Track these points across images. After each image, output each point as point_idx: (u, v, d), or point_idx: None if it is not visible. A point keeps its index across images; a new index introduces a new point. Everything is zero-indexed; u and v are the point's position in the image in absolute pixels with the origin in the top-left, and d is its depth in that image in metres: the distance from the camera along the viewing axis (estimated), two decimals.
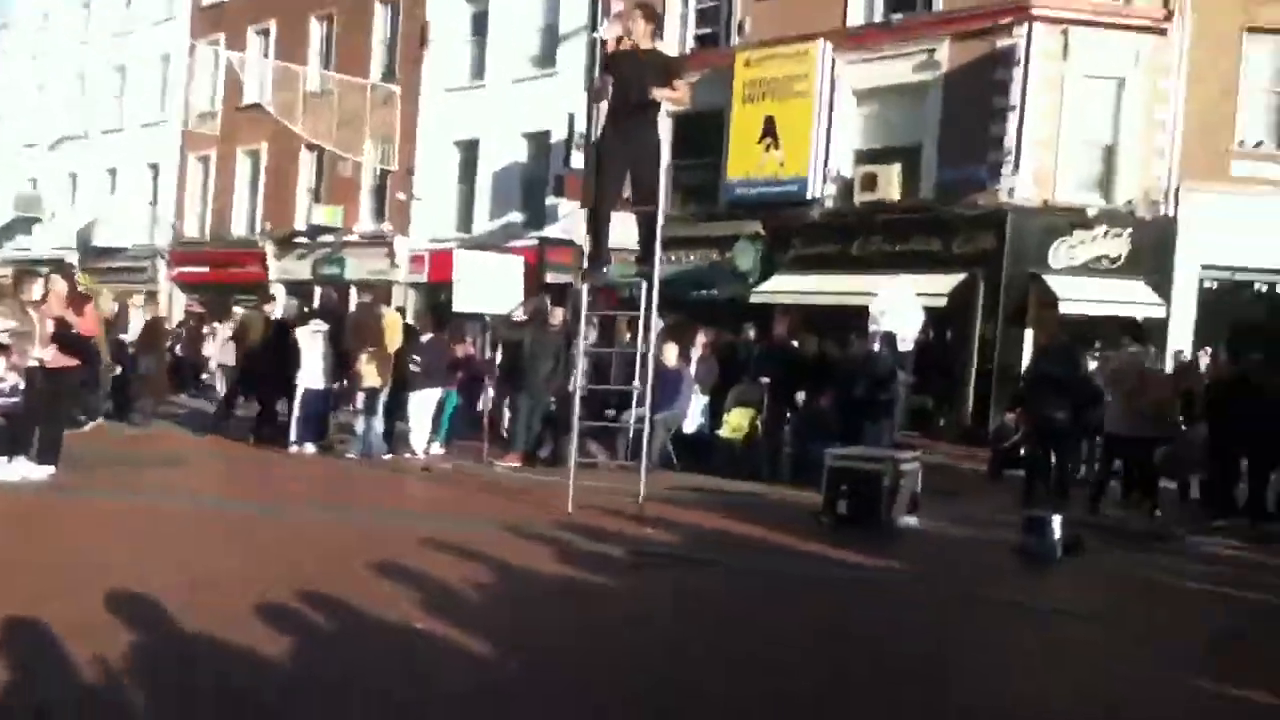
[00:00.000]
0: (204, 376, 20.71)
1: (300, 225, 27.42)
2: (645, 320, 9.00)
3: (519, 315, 13.81)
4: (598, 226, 8.53)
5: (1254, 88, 17.50)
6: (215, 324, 21.10)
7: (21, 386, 9.10)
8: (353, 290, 24.70)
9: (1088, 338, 12.71)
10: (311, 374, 12.86)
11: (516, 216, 23.17)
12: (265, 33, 29.24)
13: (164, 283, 30.62)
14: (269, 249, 28.14)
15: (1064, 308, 15.87)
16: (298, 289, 27.28)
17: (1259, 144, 17.51)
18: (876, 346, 12.53)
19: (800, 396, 12.06)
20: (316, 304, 19.89)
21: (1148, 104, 17.10)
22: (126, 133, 32.80)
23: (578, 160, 20.76)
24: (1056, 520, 7.72)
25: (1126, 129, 17.09)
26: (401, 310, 18.37)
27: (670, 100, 8.33)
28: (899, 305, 13.64)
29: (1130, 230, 16.83)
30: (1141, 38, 17.01)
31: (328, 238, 26.70)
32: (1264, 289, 17.18)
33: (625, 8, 15.75)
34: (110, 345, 14.22)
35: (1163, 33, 17.00)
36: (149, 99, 32.29)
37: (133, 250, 31.58)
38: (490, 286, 13.61)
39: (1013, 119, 16.73)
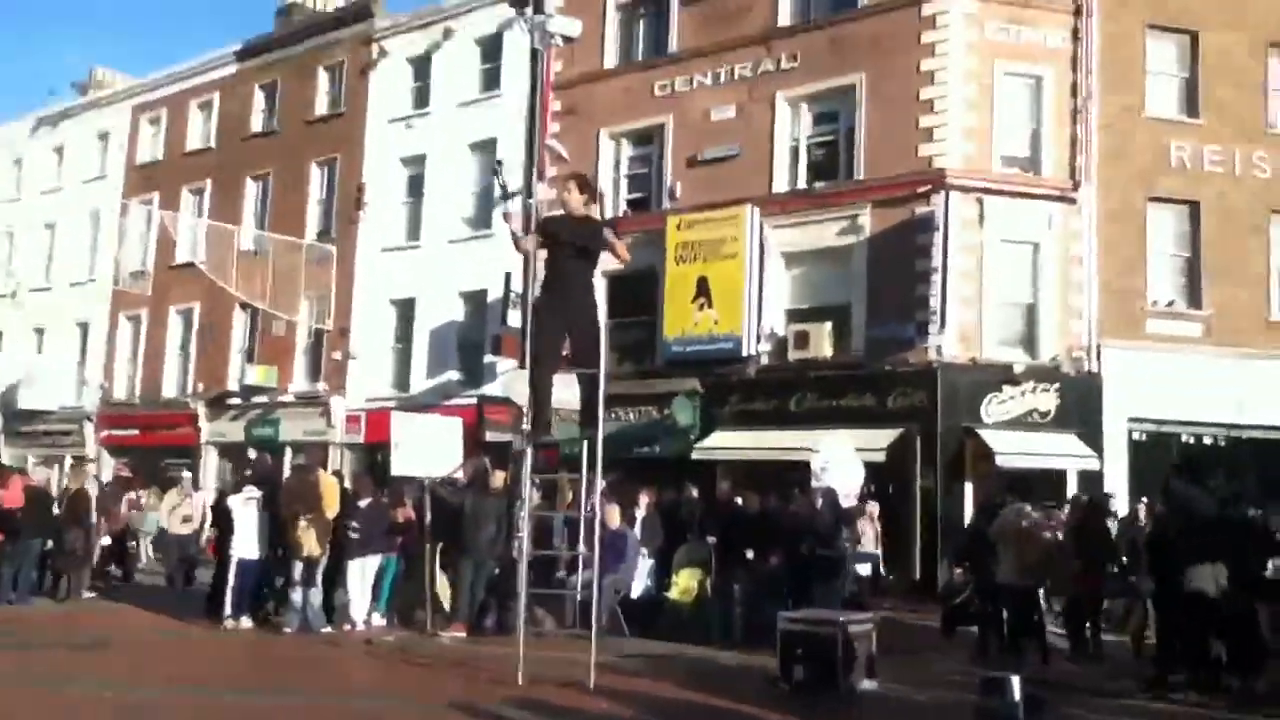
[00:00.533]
0: (130, 545, 19.92)
1: (233, 386, 27.02)
2: (589, 482, 8.97)
3: (459, 476, 13.67)
4: (539, 389, 8.46)
5: (1160, 251, 18.71)
6: (152, 490, 20.45)
7: None
8: (287, 452, 24.33)
9: (1024, 490, 12.97)
10: (245, 543, 12.50)
11: (454, 375, 23.19)
12: (200, 192, 29.36)
13: (91, 446, 29.65)
14: (201, 410, 27.55)
15: (1000, 461, 16.30)
16: (230, 451, 26.90)
17: (1170, 303, 18.60)
18: (819, 503, 12.64)
19: (749, 555, 12.04)
20: (249, 470, 19.44)
21: (1063, 267, 18.02)
22: (55, 291, 32.35)
23: (515, 319, 21.00)
24: (1015, 681, 7.70)
25: (1045, 290, 17.94)
26: (338, 473, 18.07)
27: (615, 254, 8.45)
28: (839, 460, 13.87)
29: (1057, 386, 17.46)
30: (1052, 205, 18.08)
31: (261, 398, 26.30)
32: (1191, 440, 17.89)
33: (560, 177, 16.35)
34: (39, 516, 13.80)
35: (1072, 201, 18.11)
36: (79, 257, 32.00)
37: (59, 413, 30.64)
38: (429, 449, 13.49)
39: (935, 280, 17.40)
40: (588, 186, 8.60)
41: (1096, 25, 18.64)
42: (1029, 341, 17.85)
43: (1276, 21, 19.20)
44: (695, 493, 14.74)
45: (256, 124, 28.65)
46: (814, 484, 13.62)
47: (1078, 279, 18.00)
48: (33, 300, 32.82)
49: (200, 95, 30.10)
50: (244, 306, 26.76)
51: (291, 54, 28.15)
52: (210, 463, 27.20)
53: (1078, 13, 18.65)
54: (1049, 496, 13.83)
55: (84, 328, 31.48)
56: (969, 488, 16.89)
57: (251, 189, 28.23)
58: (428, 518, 12.85)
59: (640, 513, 13.50)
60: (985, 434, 16.85)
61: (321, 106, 27.24)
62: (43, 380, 30.88)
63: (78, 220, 32.22)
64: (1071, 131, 18.35)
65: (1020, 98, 18.60)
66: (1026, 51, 18.53)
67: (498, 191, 21.65)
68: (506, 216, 9.33)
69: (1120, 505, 14.88)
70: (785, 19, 20.33)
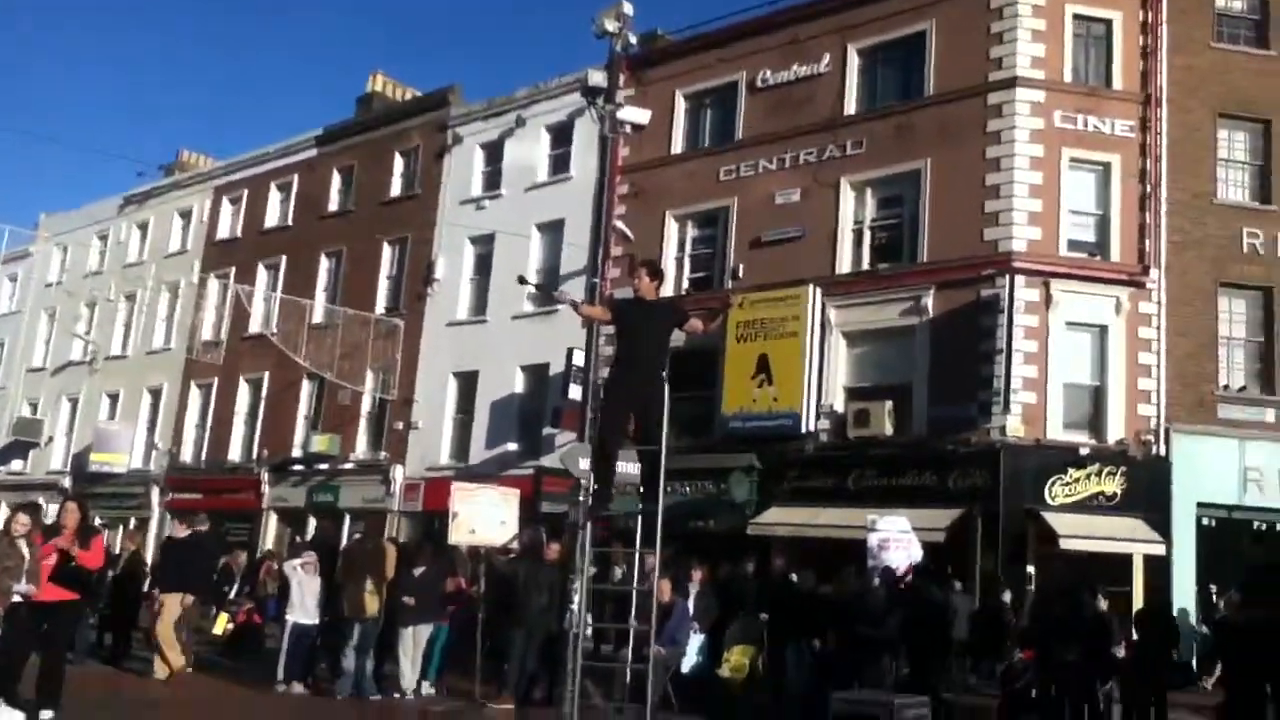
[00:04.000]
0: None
1: (297, 453, 27.44)
2: (644, 557, 8.91)
3: (514, 546, 13.67)
4: (605, 464, 8.39)
5: (1233, 336, 18.37)
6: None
7: None
8: (346, 519, 24.55)
9: (1089, 575, 12.63)
10: (301, 608, 12.58)
11: (512, 446, 23.34)
12: (275, 267, 30.24)
13: (156, 509, 30.21)
14: (264, 476, 27.95)
15: (1064, 544, 15.91)
16: (289, 516, 27.28)
17: (1242, 389, 18.19)
18: (876, 582, 12.40)
19: (815, 643, 11.83)
20: (310, 535, 19.62)
21: (1131, 350, 17.76)
22: (131, 359, 33.40)
23: (575, 393, 21.15)
24: None
25: (1113, 373, 17.67)
26: (394, 540, 18.16)
27: (691, 330, 8.49)
28: (897, 539, 13.63)
29: (1124, 469, 17.10)
30: (1120, 289, 17.90)
31: (323, 465, 26.63)
32: (1263, 527, 17.36)
33: (631, 264, 16.56)
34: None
35: (1141, 285, 17.93)
36: (156, 327, 33.13)
37: (127, 476, 31.33)
38: (486, 519, 13.55)
39: (1000, 362, 17.20)
40: (658, 271, 8.69)
41: (1166, 115, 18.65)
42: (1095, 424, 17.54)
43: None
44: (750, 569, 14.53)
45: (333, 204, 29.54)
46: (870, 563, 13.40)
47: (1146, 363, 17.73)
48: (110, 367, 33.92)
49: (280, 177, 31.24)
50: (311, 377, 27.29)
51: (369, 139, 29.13)
52: (271, 527, 27.55)
53: (1146, 102, 18.67)
54: (1114, 581, 13.44)
55: (156, 394, 32.33)
56: (1031, 571, 16.47)
57: (325, 265, 28.99)
58: (481, 586, 12.85)
59: (694, 587, 13.33)
60: (1049, 516, 16.47)
61: (396, 188, 28.06)
62: (113, 443, 31.63)
63: (156, 292, 33.42)
64: (1140, 217, 18.23)
65: (1087, 184, 18.58)
66: (1094, 140, 18.55)
67: (530, 292, 22.39)
68: (561, 295, 9.51)
69: (1187, 592, 14.44)
70: (851, 107, 20.65)
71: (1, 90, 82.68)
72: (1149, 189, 18.29)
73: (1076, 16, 19.11)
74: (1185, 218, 18.29)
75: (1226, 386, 18.08)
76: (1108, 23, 19.17)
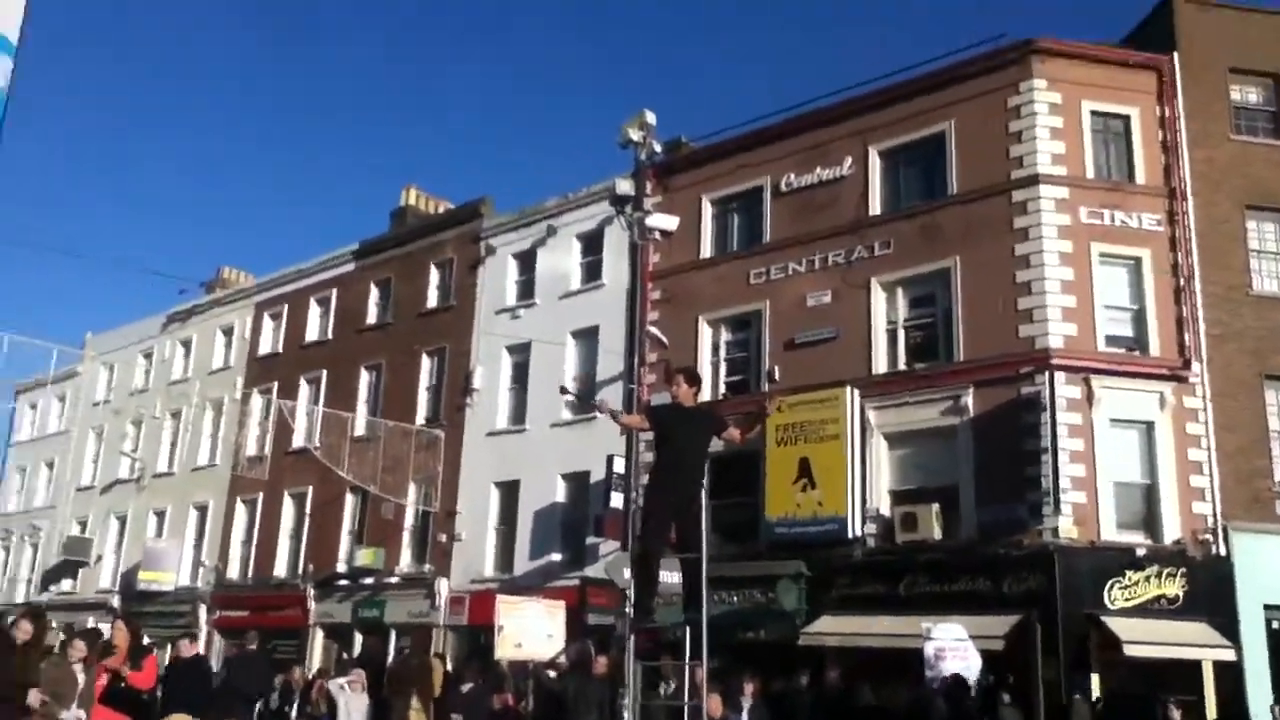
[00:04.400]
0: None
1: (341, 567, 27.43)
2: (692, 670, 8.80)
3: (561, 661, 13.56)
4: (645, 573, 8.41)
5: None
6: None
7: None
8: (392, 634, 24.36)
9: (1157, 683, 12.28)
10: None
11: (556, 557, 23.18)
12: (316, 381, 30.62)
13: (205, 626, 30.01)
14: (310, 591, 27.88)
15: (1128, 651, 15.43)
16: (336, 632, 27.14)
17: None
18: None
19: None
20: (356, 651, 19.49)
21: (1180, 446, 17.50)
22: (178, 476, 33.74)
23: (617, 501, 21.15)
24: None
25: (1163, 470, 17.39)
26: (441, 656, 18.05)
27: (729, 439, 8.59)
28: (954, 649, 13.40)
29: (1184, 570, 16.70)
30: (1163, 384, 17.74)
31: (368, 580, 26.56)
32: None
33: (667, 371, 16.83)
34: None
35: (1184, 380, 17.77)
36: (202, 444, 33.54)
37: (175, 593, 31.40)
38: (533, 633, 13.50)
39: (1046, 460, 16.99)
40: (695, 378, 8.85)
41: (1192, 208, 18.74)
42: (1150, 524, 17.19)
43: None
44: (804, 681, 14.30)
45: (371, 317, 30.03)
46: (928, 673, 13.16)
47: (1197, 459, 17.42)
48: (157, 485, 34.26)
49: (319, 291, 31.89)
50: (354, 490, 27.37)
51: (405, 252, 29.77)
52: (317, 643, 27.38)
53: (1171, 196, 18.82)
54: (1183, 689, 13.00)
55: (202, 511, 32.52)
56: (1095, 679, 15.88)
57: (365, 378, 29.29)
58: (529, 703, 12.73)
59: (746, 701, 13.12)
60: (1110, 621, 16.02)
61: (432, 300, 28.52)
62: (161, 562, 31.74)
63: (201, 409, 33.93)
64: (1177, 311, 18.20)
65: (1119, 278, 18.59)
66: (1122, 234, 18.63)
67: (569, 399, 22.62)
68: (600, 405, 9.56)
69: (1262, 701, 13.90)
70: (876, 208, 20.89)
71: (44, 211, 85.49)
72: (1182, 282, 18.30)
73: (1094, 113, 19.41)
74: (1222, 310, 18.25)
75: None
76: (1125, 118, 19.46)
